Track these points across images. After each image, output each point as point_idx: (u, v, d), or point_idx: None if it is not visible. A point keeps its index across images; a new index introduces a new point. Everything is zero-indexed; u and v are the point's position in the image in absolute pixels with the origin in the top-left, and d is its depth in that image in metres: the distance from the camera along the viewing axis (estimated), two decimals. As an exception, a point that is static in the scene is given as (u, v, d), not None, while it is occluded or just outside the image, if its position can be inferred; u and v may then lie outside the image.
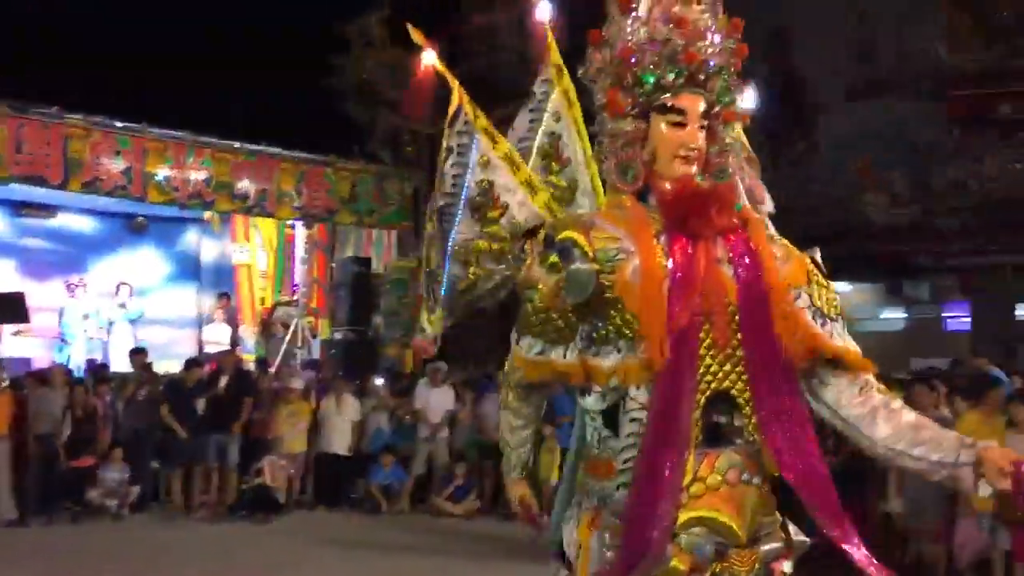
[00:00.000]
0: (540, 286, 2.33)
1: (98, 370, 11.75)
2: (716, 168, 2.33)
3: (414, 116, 13.62)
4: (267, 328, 14.96)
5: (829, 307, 2.34)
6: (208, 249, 15.85)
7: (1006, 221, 13.33)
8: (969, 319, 15.08)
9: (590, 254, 2.17)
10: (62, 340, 13.85)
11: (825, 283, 2.38)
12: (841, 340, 2.33)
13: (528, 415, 2.72)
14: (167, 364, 12.21)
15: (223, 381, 10.57)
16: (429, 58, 2.68)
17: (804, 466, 2.21)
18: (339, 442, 10.91)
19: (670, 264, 2.21)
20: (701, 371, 2.21)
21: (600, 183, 2.71)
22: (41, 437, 9.75)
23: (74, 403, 9.95)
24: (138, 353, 11.65)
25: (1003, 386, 7.90)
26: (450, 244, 2.66)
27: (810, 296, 2.32)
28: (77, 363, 12.94)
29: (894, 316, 17.90)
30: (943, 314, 16.23)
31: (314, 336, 15.22)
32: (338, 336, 14.47)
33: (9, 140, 11.80)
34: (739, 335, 2.22)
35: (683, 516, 2.15)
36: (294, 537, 9.13)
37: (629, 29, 2.27)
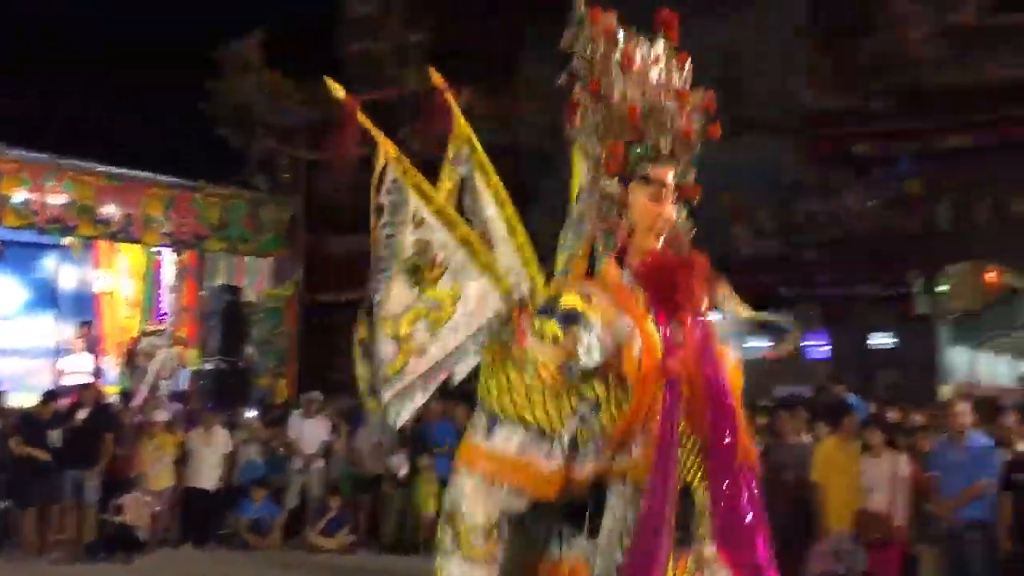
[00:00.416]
0: (538, 360, 2.01)
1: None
2: (676, 246, 2.21)
3: (339, 170, 13.35)
4: (132, 358, 14.35)
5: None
6: (67, 276, 15.08)
7: (863, 254, 14.05)
8: (829, 348, 15.76)
9: (604, 327, 1.98)
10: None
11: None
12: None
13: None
14: (22, 397, 11.53)
15: (82, 414, 10.06)
16: (353, 114, 2.44)
17: (751, 560, 2.08)
18: (208, 476, 10.52)
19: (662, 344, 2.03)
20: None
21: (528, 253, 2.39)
22: None
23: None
24: (-11, 385, 10.98)
25: (856, 412, 8.28)
26: (378, 314, 2.31)
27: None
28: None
29: (758, 345, 18.55)
30: (803, 343, 16.91)
31: (183, 366, 14.69)
32: (208, 366, 14.02)
33: None
34: (705, 424, 2.05)
35: None
36: (158, 577, 8.75)
37: (632, 91, 2.14)
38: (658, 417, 1.97)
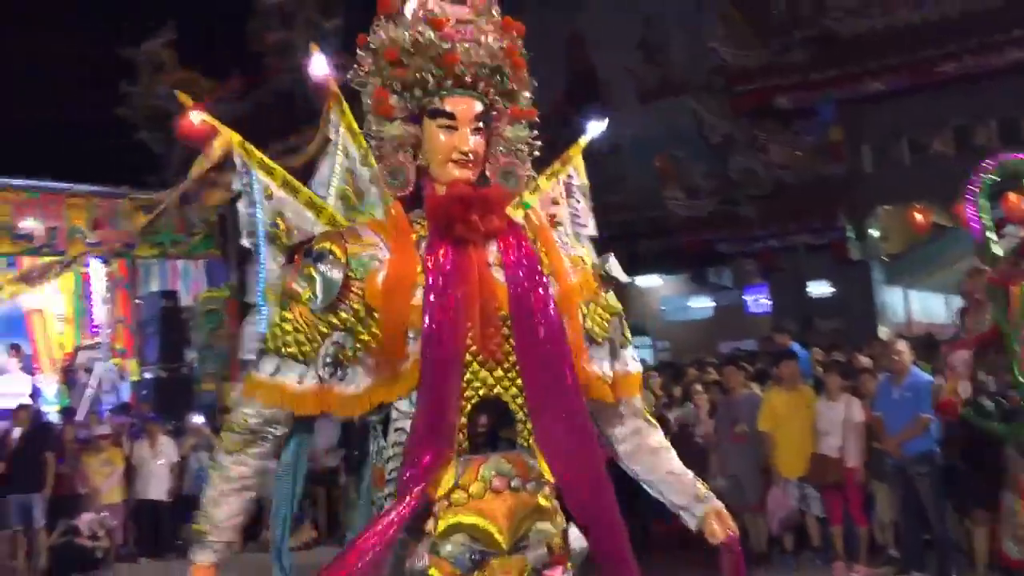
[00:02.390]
0: (291, 296, 2.23)
1: None
2: (502, 169, 2.28)
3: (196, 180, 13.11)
4: (70, 375, 14.01)
5: (598, 327, 2.35)
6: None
7: (795, 205, 14.26)
8: (769, 301, 16.02)
9: (343, 260, 2.18)
10: None
11: (605, 302, 2.39)
12: (598, 367, 2.34)
13: (244, 474, 2.28)
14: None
15: (18, 436, 9.77)
16: (197, 118, 2.58)
17: (576, 472, 2.21)
18: (157, 487, 10.32)
19: (429, 270, 2.18)
20: (468, 377, 2.17)
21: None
22: None
23: None
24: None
25: (798, 360, 8.40)
26: (261, 286, 2.49)
27: (584, 316, 2.32)
28: None
29: (701, 304, 18.81)
30: (744, 297, 17.18)
31: (123, 378, 14.38)
32: (149, 376, 13.74)
33: None
34: (511, 341, 2.19)
35: (442, 523, 2.09)
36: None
37: (393, 33, 2.23)
38: (404, 341, 2.15)
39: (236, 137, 2.53)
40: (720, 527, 2.36)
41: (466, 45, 2.21)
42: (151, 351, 13.90)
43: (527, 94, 2.32)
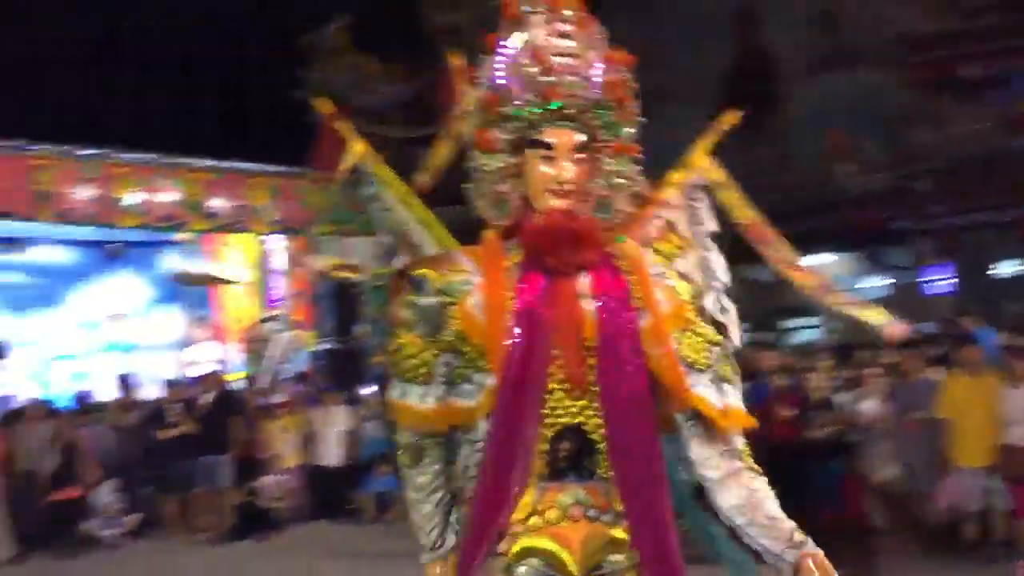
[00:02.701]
0: (400, 324, 2.36)
1: (82, 400, 11.64)
2: (599, 202, 2.31)
3: (324, 168, 13.55)
4: (252, 345, 14.86)
5: (695, 355, 2.31)
6: (189, 270, 15.70)
7: (977, 181, 13.42)
8: (951, 281, 15.17)
9: (437, 287, 2.28)
10: (45, 374, 13.71)
11: (703, 331, 2.36)
12: (704, 390, 2.30)
13: (425, 484, 2.44)
14: (154, 389, 12.09)
15: (206, 401, 10.49)
16: (334, 122, 2.85)
17: (644, 507, 2.20)
18: (331, 454, 10.86)
19: (519, 298, 2.24)
20: (551, 405, 2.22)
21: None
22: (26, 473, 9.66)
23: (58, 435, 9.84)
24: (122, 380, 11.55)
25: (981, 344, 7.94)
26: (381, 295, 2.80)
27: (679, 344, 2.30)
28: (62, 395, 12.80)
29: (875, 284, 17.99)
30: (921, 278, 16.33)
31: (301, 349, 15.13)
32: (324, 347, 14.37)
33: (-27, 175, 11.68)
34: (595, 372, 2.22)
35: (517, 546, 2.16)
36: (296, 552, 9.06)
37: (496, 67, 2.28)
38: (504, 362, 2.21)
39: (362, 147, 2.74)
40: (819, 571, 2.17)
41: (569, 79, 2.23)
42: (326, 324, 14.53)
43: (631, 129, 2.34)
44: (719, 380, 2.34)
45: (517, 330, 2.20)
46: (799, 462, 8.68)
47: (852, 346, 11.46)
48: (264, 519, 10.11)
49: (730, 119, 2.78)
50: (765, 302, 17.52)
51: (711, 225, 2.74)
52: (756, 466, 2.39)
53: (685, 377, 2.27)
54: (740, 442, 2.37)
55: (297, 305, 15.55)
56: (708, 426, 2.31)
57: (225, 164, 13.82)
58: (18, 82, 16.16)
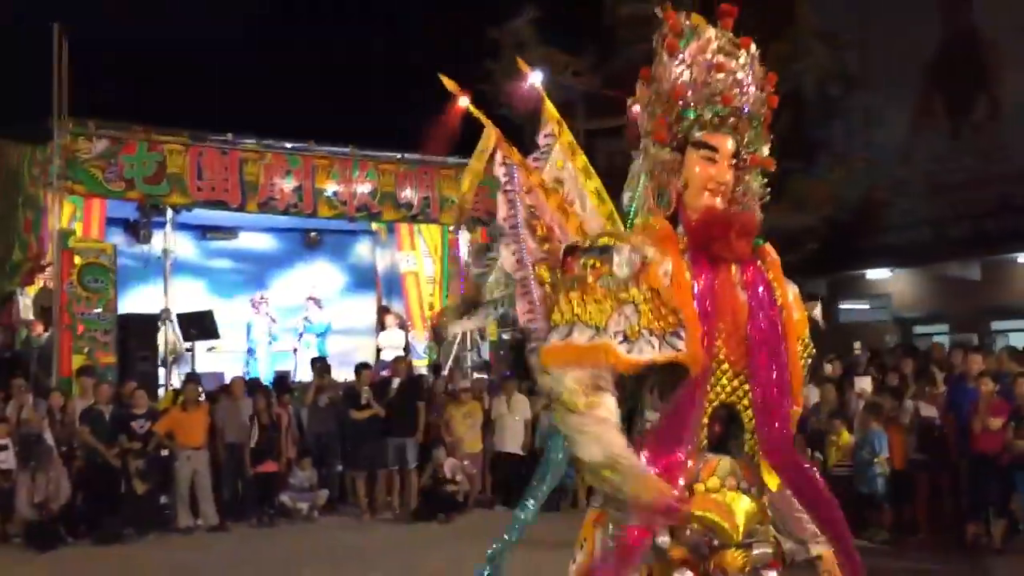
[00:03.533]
0: (579, 280, 2.42)
1: (281, 380, 12.34)
2: (739, 206, 2.51)
3: (436, 151, 13.73)
4: (437, 333, 15.29)
5: (799, 363, 2.54)
6: (380, 259, 16.38)
7: None
8: None
9: (635, 248, 2.41)
10: (250, 354, 14.65)
11: (806, 339, 2.60)
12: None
13: (606, 415, 2.31)
14: (347, 372, 12.67)
15: (396, 385, 10.88)
16: (463, 102, 3.10)
17: (798, 476, 2.46)
18: (512, 441, 11.03)
19: (694, 280, 2.40)
20: (712, 382, 2.41)
21: (615, 219, 2.93)
22: (230, 446, 10.36)
23: (259, 412, 10.49)
24: (317, 362, 12.16)
25: None
26: (494, 273, 2.91)
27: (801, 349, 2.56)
28: (265, 375, 13.64)
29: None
30: None
31: (483, 338, 15.44)
32: (505, 337, 14.61)
33: (191, 168, 12.59)
34: (748, 356, 2.42)
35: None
36: (475, 537, 9.22)
37: (676, 70, 2.48)
38: (701, 333, 2.36)
39: (497, 131, 2.93)
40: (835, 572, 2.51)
41: (735, 91, 2.46)
42: (508, 313, 14.75)
43: (767, 147, 2.55)
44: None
45: (702, 310, 2.37)
46: (1006, 473, 8.11)
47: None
48: (446, 502, 10.40)
49: None
50: (974, 301, 16.44)
51: None
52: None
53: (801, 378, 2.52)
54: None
55: (481, 294, 15.85)
56: None
57: (416, 156, 14.26)
58: (222, 81, 17.32)
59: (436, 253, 16.20)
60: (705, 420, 2.40)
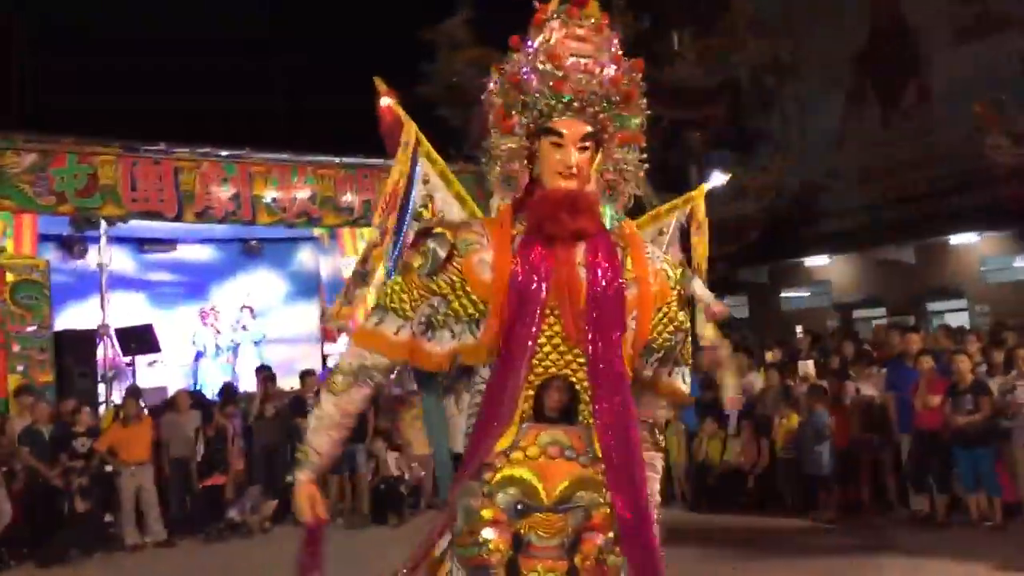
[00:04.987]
0: (404, 267, 2.67)
1: (226, 392, 12.16)
2: (609, 185, 2.66)
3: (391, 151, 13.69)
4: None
5: (658, 334, 2.69)
6: (324, 265, 16.22)
7: None
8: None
9: (451, 240, 2.60)
10: (196, 365, 14.41)
11: (675, 315, 2.72)
12: (642, 362, 2.70)
13: (347, 412, 2.76)
14: (291, 381, 12.53)
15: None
16: (386, 103, 3.29)
17: (622, 454, 2.52)
18: (461, 441, 10.97)
19: (520, 263, 2.54)
20: (539, 357, 2.54)
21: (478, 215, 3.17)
22: (176, 461, 10.18)
23: (205, 425, 10.30)
24: (262, 371, 12.00)
25: None
26: (398, 251, 3.13)
27: (651, 320, 2.67)
28: (213, 387, 13.43)
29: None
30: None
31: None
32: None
33: (124, 179, 12.32)
34: (584, 330, 2.53)
35: (499, 475, 2.49)
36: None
37: (520, 63, 2.62)
38: (506, 315, 2.52)
39: (414, 126, 3.18)
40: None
41: (579, 76, 2.55)
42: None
43: (637, 120, 2.65)
44: (670, 360, 2.79)
45: (512, 290, 2.51)
46: (945, 449, 8.30)
47: (1003, 328, 10.84)
48: (398, 503, 10.34)
49: (719, 179, 3.14)
50: (909, 284, 16.81)
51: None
52: (662, 445, 2.93)
53: (640, 346, 2.65)
54: (663, 416, 2.91)
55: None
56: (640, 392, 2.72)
57: (354, 159, 14.14)
58: (157, 91, 17.01)
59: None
60: (531, 392, 2.55)
